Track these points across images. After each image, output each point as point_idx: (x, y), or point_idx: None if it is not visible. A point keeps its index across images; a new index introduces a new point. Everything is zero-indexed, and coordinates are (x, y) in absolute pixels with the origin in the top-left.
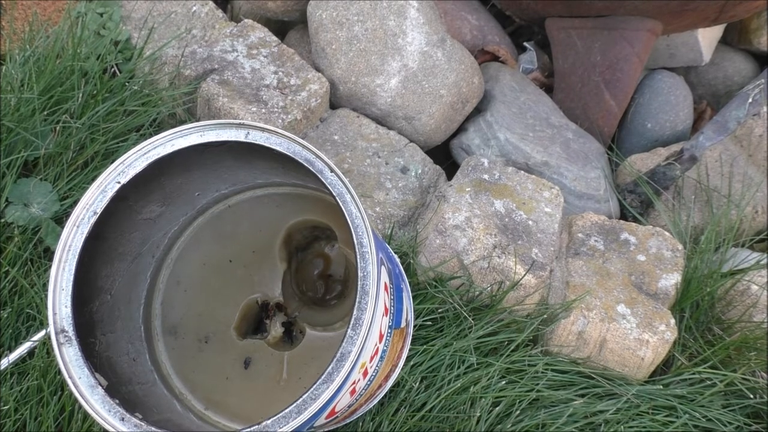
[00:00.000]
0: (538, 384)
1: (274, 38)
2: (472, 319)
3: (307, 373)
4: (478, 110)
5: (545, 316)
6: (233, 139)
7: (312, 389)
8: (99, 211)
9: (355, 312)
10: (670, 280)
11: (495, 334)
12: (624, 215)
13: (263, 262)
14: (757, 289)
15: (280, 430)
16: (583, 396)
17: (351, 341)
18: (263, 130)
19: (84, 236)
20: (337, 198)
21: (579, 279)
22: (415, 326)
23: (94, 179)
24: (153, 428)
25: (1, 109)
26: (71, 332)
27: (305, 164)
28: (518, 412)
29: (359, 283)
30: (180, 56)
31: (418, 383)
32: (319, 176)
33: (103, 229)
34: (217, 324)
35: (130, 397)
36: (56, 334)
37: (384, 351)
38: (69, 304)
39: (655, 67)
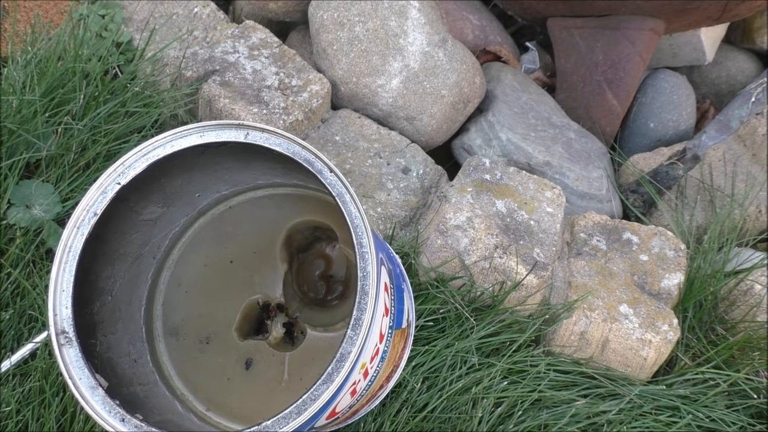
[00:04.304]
0: (540, 384)
1: (276, 39)
2: (474, 320)
3: (308, 373)
4: (480, 110)
5: (547, 316)
6: (233, 139)
7: (312, 390)
8: (99, 212)
9: (354, 312)
10: (673, 280)
11: (497, 334)
12: (626, 215)
13: (264, 262)
14: (761, 288)
15: (281, 430)
16: (585, 396)
17: (351, 341)
18: (263, 130)
19: (84, 237)
20: (336, 198)
21: (581, 279)
22: (416, 327)
23: (95, 181)
24: (153, 429)
25: (3, 111)
26: (72, 333)
27: (305, 164)
28: (520, 412)
29: (359, 283)
30: (181, 57)
31: (419, 384)
32: (319, 176)
33: (104, 230)
34: (218, 325)
35: (131, 398)
36: (57, 335)
37: (385, 351)
38: (69, 305)
39: (658, 66)
